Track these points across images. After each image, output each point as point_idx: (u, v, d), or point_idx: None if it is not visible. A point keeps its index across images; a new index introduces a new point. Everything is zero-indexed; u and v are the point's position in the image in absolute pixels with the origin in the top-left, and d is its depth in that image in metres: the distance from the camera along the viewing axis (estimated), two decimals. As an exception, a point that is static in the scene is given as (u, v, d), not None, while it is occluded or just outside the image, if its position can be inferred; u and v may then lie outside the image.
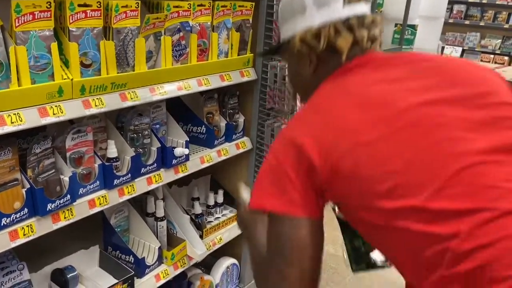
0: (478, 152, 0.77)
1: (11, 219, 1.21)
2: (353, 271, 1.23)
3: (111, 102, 1.35)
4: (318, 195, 0.87)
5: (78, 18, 1.23)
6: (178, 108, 1.85)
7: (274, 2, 1.80)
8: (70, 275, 1.56)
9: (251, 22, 1.82)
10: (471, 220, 0.73)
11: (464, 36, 7.11)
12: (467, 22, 7.02)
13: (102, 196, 1.44)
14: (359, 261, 1.20)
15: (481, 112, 0.82)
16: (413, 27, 4.33)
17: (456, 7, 7.09)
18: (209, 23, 1.64)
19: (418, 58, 0.94)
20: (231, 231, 2.09)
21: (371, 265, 1.20)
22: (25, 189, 1.24)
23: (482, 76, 0.90)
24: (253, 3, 1.78)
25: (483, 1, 6.82)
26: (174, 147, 1.66)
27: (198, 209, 1.99)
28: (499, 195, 0.74)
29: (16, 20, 1.10)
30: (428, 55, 0.95)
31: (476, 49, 7.01)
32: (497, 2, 6.69)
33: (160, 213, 1.78)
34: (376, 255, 1.16)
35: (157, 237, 1.77)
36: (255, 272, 0.98)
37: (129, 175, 1.50)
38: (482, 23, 6.95)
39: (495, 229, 0.72)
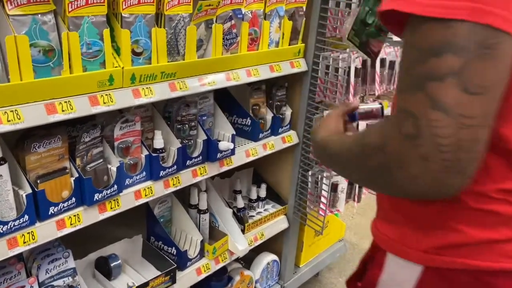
0: None
1: (59, 208, 1.20)
2: (347, 38, 1.32)
3: (161, 91, 1.31)
4: None
5: (131, 4, 1.18)
6: (223, 98, 1.79)
7: (330, -10, 1.70)
8: (114, 263, 1.56)
9: (304, 10, 1.74)
10: None
11: None
12: None
13: (148, 188, 1.41)
14: (359, 34, 1.30)
15: None
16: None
17: None
18: (261, 10, 1.57)
19: None
20: (273, 227, 2.03)
21: (362, 47, 1.31)
22: (74, 178, 1.22)
23: None
24: (308, -9, 1.69)
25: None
26: (220, 140, 1.61)
27: (240, 202, 1.95)
28: None
29: (69, 5, 1.07)
30: None
31: None
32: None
33: (203, 205, 1.75)
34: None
35: (199, 230, 1.74)
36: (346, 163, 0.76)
37: (175, 166, 1.47)
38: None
39: None
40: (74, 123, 1.28)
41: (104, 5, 1.13)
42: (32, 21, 1.03)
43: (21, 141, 1.13)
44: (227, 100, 1.81)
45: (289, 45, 1.74)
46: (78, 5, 1.08)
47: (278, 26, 1.65)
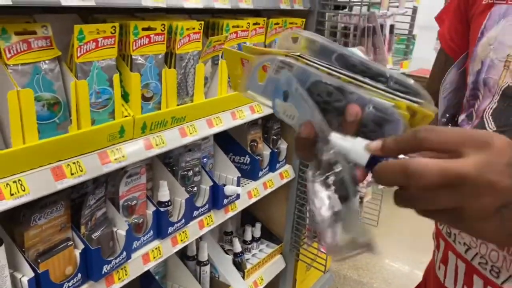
0: None
1: (63, 289, 0.99)
2: None
3: (172, 139, 1.15)
4: None
5: (142, 44, 1.03)
6: (218, 136, 1.65)
7: (326, 19, 1.64)
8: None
9: (299, 40, 1.66)
10: None
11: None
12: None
13: (156, 248, 1.23)
14: None
15: None
16: (413, 37, 4.28)
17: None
18: (262, 42, 1.47)
19: None
20: (271, 269, 1.90)
21: None
22: (79, 251, 1.02)
23: None
24: (304, 20, 1.62)
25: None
26: (225, 185, 1.46)
27: (237, 246, 1.79)
28: None
29: (78, 49, 0.89)
30: None
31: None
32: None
33: (203, 256, 1.58)
34: None
35: (199, 283, 1.57)
36: None
37: (183, 220, 1.30)
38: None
39: None
40: (72, 183, 1.08)
41: (114, 47, 0.97)
42: (34, 70, 0.84)
43: (16, 213, 0.92)
44: (223, 138, 1.67)
45: (286, 77, 1.65)
46: (88, 49, 0.91)
47: (276, 58, 1.56)
